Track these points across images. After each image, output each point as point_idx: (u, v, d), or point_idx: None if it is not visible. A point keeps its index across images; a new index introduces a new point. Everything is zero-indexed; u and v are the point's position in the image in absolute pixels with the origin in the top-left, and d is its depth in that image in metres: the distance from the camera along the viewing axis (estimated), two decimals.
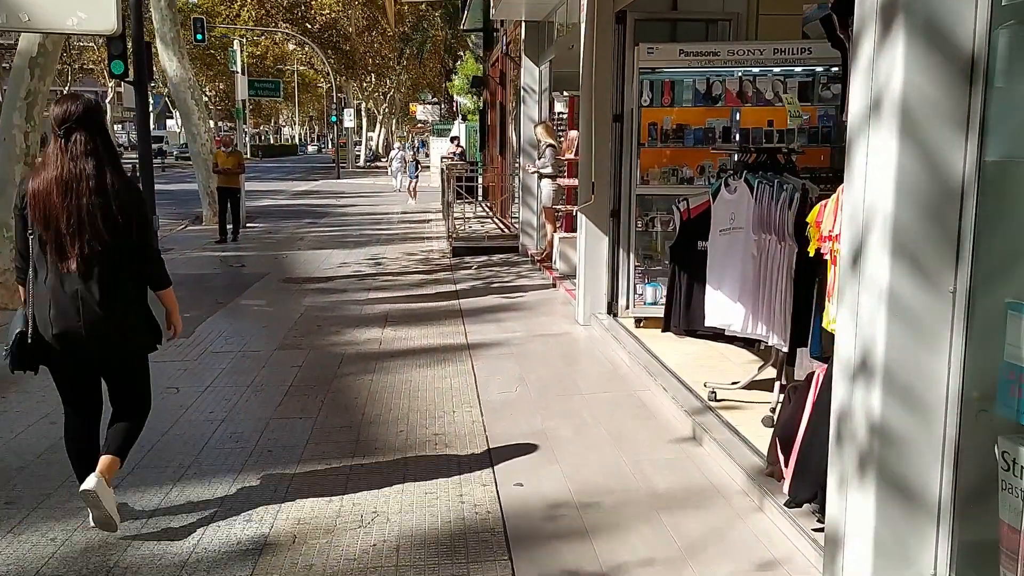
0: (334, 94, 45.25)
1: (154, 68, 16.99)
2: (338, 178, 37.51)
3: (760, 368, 5.37)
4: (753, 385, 5.58)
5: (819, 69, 7.26)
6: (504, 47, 15.44)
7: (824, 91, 7.25)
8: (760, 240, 4.63)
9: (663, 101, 7.44)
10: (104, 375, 3.93)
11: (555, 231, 11.72)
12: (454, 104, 49.69)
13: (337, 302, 9.74)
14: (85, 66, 46.70)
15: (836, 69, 7.08)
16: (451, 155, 23.84)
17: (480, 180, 20.96)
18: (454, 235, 14.27)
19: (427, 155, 25.54)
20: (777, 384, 5.10)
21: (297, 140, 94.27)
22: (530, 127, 13.26)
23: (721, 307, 4.97)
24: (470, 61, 52.31)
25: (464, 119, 40.36)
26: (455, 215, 14.83)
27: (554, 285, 10.54)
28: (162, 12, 17.84)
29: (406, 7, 44.76)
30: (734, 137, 7.46)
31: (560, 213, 11.88)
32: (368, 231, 17.43)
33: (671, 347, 6.97)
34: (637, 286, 7.67)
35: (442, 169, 18.77)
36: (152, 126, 52.58)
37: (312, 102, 76.46)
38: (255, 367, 6.88)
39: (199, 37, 33.46)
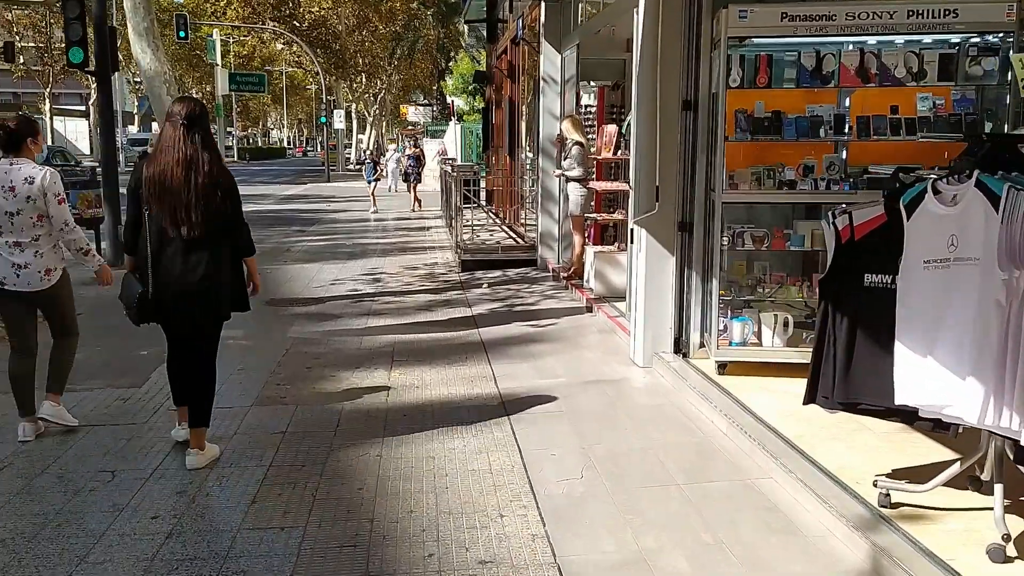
0: (324, 95, 43.42)
1: (123, 60, 15.17)
2: (328, 181, 35.67)
3: (961, 463, 3.63)
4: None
5: (966, 38, 5.55)
6: (519, 32, 13.72)
7: (973, 66, 5.53)
8: (1012, 281, 2.90)
9: (758, 81, 5.71)
10: (194, 330, 4.66)
11: (585, 244, 9.98)
12: (449, 105, 47.97)
13: (331, 332, 7.97)
14: (68, 67, 44.72)
15: (991, 37, 5.38)
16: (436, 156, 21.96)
17: (484, 184, 19.20)
18: (463, 247, 12.52)
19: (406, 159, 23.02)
20: (999, 491, 3.37)
21: (286, 143, 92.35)
22: (551, 122, 11.52)
23: (931, 379, 3.24)
24: (465, 60, 50.70)
25: (460, 120, 38.68)
26: (464, 223, 13.08)
27: (590, 309, 8.79)
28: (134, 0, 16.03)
29: (398, 3, 43.09)
30: (851, 128, 5.73)
31: (589, 222, 10.15)
32: (363, 240, 15.65)
33: (776, 405, 5.24)
34: (721, 320, 5.92)
35: (444, 172, 17.02)
36: (136, 128, 50.86)
37: (301, 104, 74.54)
38: (222, 435, 5.11)
39: (181, 34, 31.57)
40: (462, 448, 4.91)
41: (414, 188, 21.87)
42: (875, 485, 3.79)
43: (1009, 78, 5.46)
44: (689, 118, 6.24)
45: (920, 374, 3.26)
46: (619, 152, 9.19)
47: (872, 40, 5.64)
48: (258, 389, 6.09)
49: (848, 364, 3.72)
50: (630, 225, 6.63)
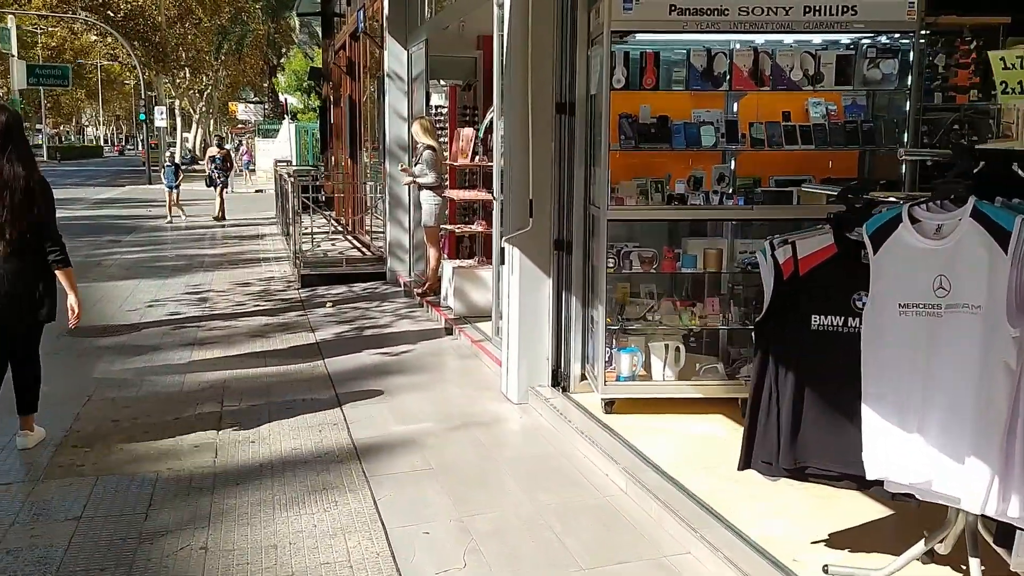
0: (142, 90, 40.33)
1: None
2: (150, 183, 33.01)
3: (925, 541, 3.04)
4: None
5: (861, 39, 5.10)
6: (359, 26, 12.68)
7: (871, 69, 5.08)
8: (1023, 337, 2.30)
9: (644, 82, 5.05)
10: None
11: (440, 257, 9.13)
12: (282, 103, 45.88)
13: (145, 370, 6.74)
14: None
15: (883, 39, 4.95)
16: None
17: (323, 189, 17.97)
18: (303, 258, 11.38)
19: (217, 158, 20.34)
20: (976, 567, 2.79)
21: (103, 141, 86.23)
22: (398, 123, 10.62)
23: (916, 451, 2.60)
24: (298, 56, 48.67)
25: (294, 119, 36.91)
26: (303, 232, 11.93)
27: (450, 331, 7.96)
28: None
29: None
30: (743, 136, 5.17)
31: (444, 234, 9.31)
32: (187, 251, 14.14)
33: (675, 450, 4.60)
34: (606, 351, 5.22)
35: (280, 176, 15.73)
36: None
37: (119, 100, 69.53)
38: None
39: None
40: (311, 529, 3.95)
41: (220, 193, 19.51)
42: (825, 572, 3.14)
43: (909, 82, 5.05)
44: (565, 122, 5.53)
45: (900, 444, 2.63)
46: (477, 158, 8.40)
47: (767, 39, 5.10)
48: (47, 455, 4.88)
49: (795, 422, 3.06)
50: (500, 243, 5.84)
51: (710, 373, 5.22)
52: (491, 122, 8.24)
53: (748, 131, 5.15)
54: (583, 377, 5.66)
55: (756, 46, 5.05)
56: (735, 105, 5.45)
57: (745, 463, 3.23)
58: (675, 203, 5.08)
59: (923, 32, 5.02)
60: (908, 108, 5.04)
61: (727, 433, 4.98)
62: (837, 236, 2.95)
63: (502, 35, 5.94)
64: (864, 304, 2.90)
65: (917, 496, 2.72)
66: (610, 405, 5.21)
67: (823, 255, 2.98)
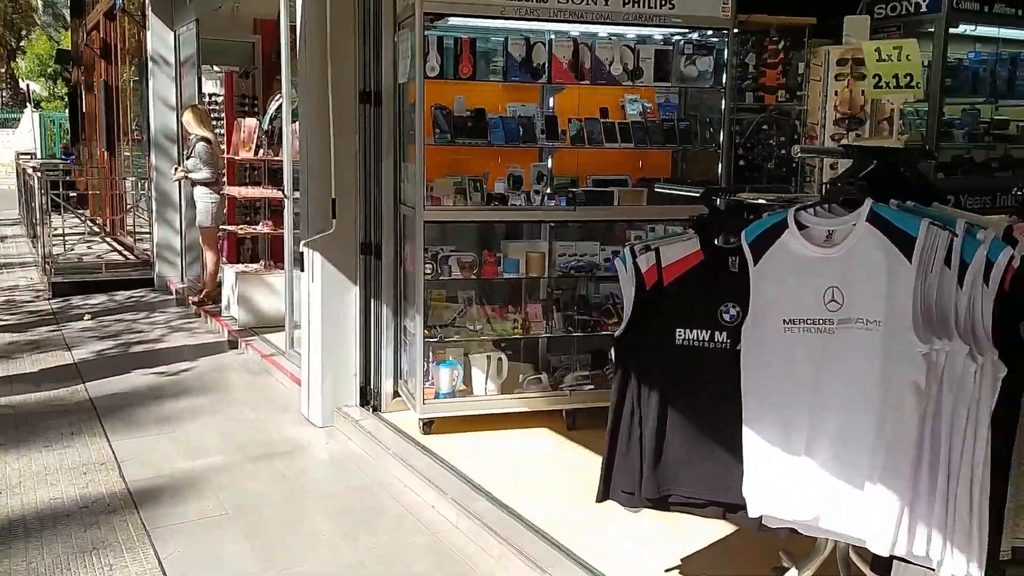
0: None
1: None
2: None
3: (800, 572, 2.83)
4: None
5: (679, 34, 4.96)
6: (117, 3, 11.33)
7: (688, 66, 4.95)
8: (933, 356, 2.08)
9: (461, 71, 4.62)
10: None
11: (219, 261, 8.26)
12: (23, 90, 41.36)
13: None
14: None
15: (705, 35, 4.85)
16: None
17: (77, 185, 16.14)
18: (53, 264, 9.98)
19: None
20: None
21: None
22: (164, 112, 9.55)
23: (807, 485, 2.34)
24: (42, 39, 44.05)
25: (38, 107, 33.36)
26: (52, 234, 10.48)
27: (235, 345, 7.15)
28: None
29: None
30: (562, 133, 4.88)
31: (223, 235, 8.44)
32: None
33: (505, 473, 4.23)
34: (421, 366, 4.75)
35: (24, 170, 13.89)
36: None
37: None
38: None
39: None
40: None
41: None
42: None
43: (724, 81, 4.97)
44: (370, 114, 4.99)
45: (785, 476, 2.37)
46: (261, 152, 7.63)
47: (584, 31, 4.83)
48: None
49: (659, 446, 2.75)
50: (300, 247, 5.21)
51: (533, 384, 4.89)
52: (276, 112, 7.54)
53: (567, 127, 4.86)
54: (396, 394, 5.16)
55: (576, 37, 4.76)
56: (551, 100, 5.16)
57: (604, 493, 2.89)
58: (495, 203, 4.70)
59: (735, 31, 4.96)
60: (724, 107, 4.96)
61: (555, 448, 4.68)
62: (703, 242, 2.66)
63: (292, 15, 5.31)
64: (732, 317, 2.64)
65: (803, 532, 2.48)
66: (429, 425, 4.75)
67: (688, 263, 2.68)
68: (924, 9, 5.31)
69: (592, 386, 4.96)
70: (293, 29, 5.60)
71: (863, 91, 5.06)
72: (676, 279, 2.69)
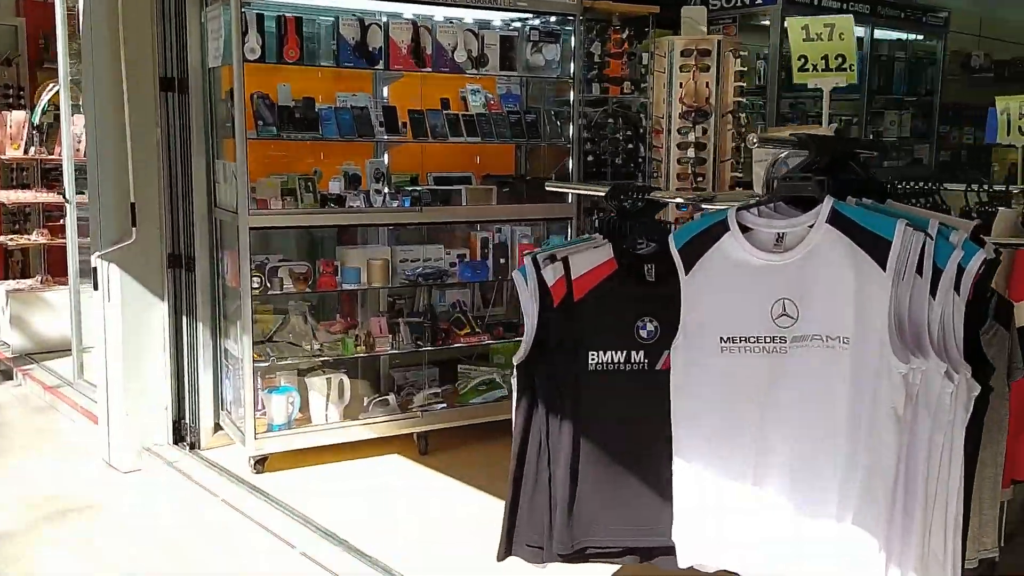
0: None
1: None
2: None
3: None
4: None
5: (527, 20, 4.61)
6: None
7: (535, 54, 4.61)
8: (911, 377, 1.80)
9: (286, 54, 4.02)
10: None
11: None
12: None
13: None
14: None
15: (548, 21, 4.54)
16: None
17: None
18: None
19: None
20: None
21: None
22: None
23: (754, 530, 2.01)
24: None
25: None
26: None
27: (9, 375, 6.10)
28: None
29: None
30: (403, 126, 4.39)
31: None
32: None
33: (364, 513, 3.72)
34: (251, 394, 4.11)
35: None
36: None
37: None
38: None
39: None
40: None
41: None
42: None
43: (572, 72, 4.67)
44: (175, 103, 4.28)
45: (726, 519, 2.04)
46: (33, 150, 6.58)
47: (425, 12, 4.36)
48: None
49: (572, 491, 2.35)
50: (92, 260, 4.39)
51: (380, 407, 4.38)
52: (50, 104, 6.55)
53: (408, 120, 4.38)
54: (218, 427, 4.49)
55: (414, 20, 4.29)
56: (385, 89, 4.66)
57: (507, 549, 2.45)
58: (330, 205, 4.14)
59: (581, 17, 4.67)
60: (572, 98, 4.66)
61: (409, 477, 4.22)
62: (615, 249, 2.29)
63: None
64: (649, 334, 2.29)
65: None
66: (262, 463, 4.13)
67: (600, 273, 2.30)
68: (760, 1, 5.27)
69: (444, 405, 4.52)
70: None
71: (706, 83, 4.94)
72: (587, 293, 2.30)
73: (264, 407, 4.15)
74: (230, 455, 4.31)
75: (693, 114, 4.92)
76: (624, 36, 4.92)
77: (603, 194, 2.45)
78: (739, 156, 5.10)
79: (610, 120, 5.02)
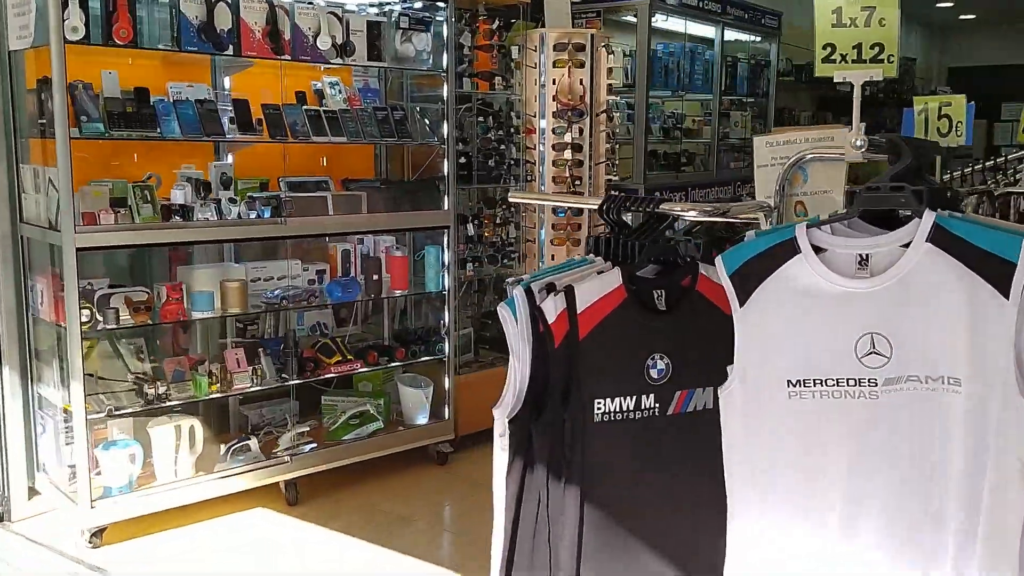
0: None
1: None
2: None
3: None
4: None
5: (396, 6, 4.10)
6: None
7: (404, 44, 4.10)
8: None
9: (116, 34, 3.27)
10: None
11: None
12: None
13: None
14: None
15: (414, 8, 4.09)
16: None
17: None
18: None
19: None
20: None
21: None
22: None
23: None
24: None
25: None
26: None
27: None
28: None
29: None
30: (259, 123, 3.75)
31: None
32: None
33: None
34: (86, 452, 3.33)
35: None
36: None
37: None
38: None
39: None
40: None
41: None
42: None
43: (445, 64, 4.20)
44: None
45: None
46: None
47: None
48: None
49: (578, 573, 1.92)
50: None
51: (240, 454, 3.72)
52: None
53: (263, 116, 3.74)
54: (35, 492, 3.65)
55: (272, 1, 3.66)
56: (226, 80, 3.99)
57: None
58: (175, 218, 3.44)
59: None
60: (446, 93, 4.20)
61: (280, 533, 3.61)
62: (625, 274, 1.88)
63: None
64: (660, 372, 1.90)
65: None
66: (99, 534, 3.36)
67: (608, 305, 1.87)
68: None
69: (315, 444, 3.92)
70: None
71: (581, 80, 4.64)
72: (593, 329, 1.86)
73: (100, 466, 3.38)
74: (54, 527, 3.50)
75: (568, 113, 4.61)
76: (494, 27, 4.51)
77: (594, 207, 2.03)
78: (614, 158, 4.86)
79: (480, 119, 4.60)
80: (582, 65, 4.60)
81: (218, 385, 3.61)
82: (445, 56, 4.17)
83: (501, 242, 4.68)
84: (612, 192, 1.98)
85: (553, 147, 4.64)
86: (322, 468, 3.90)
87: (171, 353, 3.76)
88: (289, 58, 3.72)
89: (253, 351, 3.80)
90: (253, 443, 3.75)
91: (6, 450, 3.59)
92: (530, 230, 4.76)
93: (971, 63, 13.20)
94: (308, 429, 3.94)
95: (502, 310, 1.88)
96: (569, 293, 1.85)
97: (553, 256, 4.72)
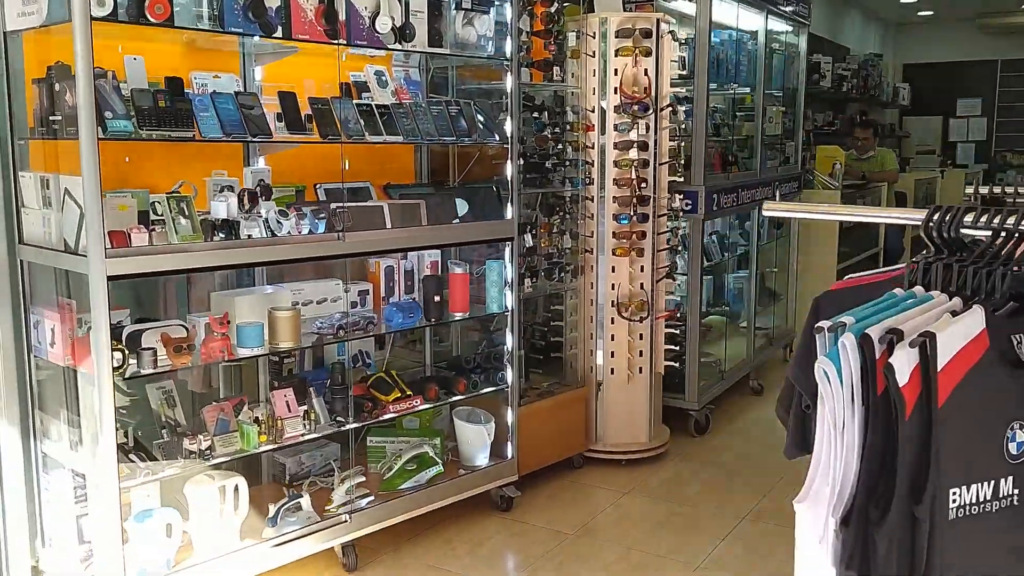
0: None
1: None
2: None
3: None
4: None
5: None
6: None
7: (465, 26, 3.53)
8: None
9: (150, 10, 2.63)
10: None
11: None
12: None
13: None
14: None
15: None
16: None
17: None
18: None
19: None
20: None
21: None
22: None
23: None
24: None
25: None
26: None
27: None
28: None
29: None
30: (308, 119, 3.14)
31: None
32: None
33: None
34: (116, 528, 2.69)
35: None
36: None
37: None
38: None
39: None
40: None
41: None
42: None
43: (508, 51, 3.65)
44: None
45: None
46: None
47: None
48: None
49: None
50: None
51: (291, 514, 3.12)
52: None
53: (312, 110, 3.14)
54: (37, 573, 2.98)
55: None
56: (257, 69, 3.37)
57: None
58: (220, 235, 2.81)
59: None
60: (511, 86, 3.64)
61: None
62: (987, 316, 1.38)
63: None
64: (1019, 447, 1.41)
65: None
66: None
67: (968, 359, 1.37)
68: None
69: (371, 497, 3.34)
70: None
71: (646, 70, 4.14)
72: (953, 392, 1.36)
73: (131, 541, 2.74)
74: None
75: (633, 107, 4.11)
76: (553, 10, 3.97)
77: (916, 221, 1.51)
78: (679, 157, 4.37)
79: (535, 115, 4.05)
80: (649, 53, 4.11)
81: (268, 435, 3.00)
82: (509, 42, 3.62)
83: (558, 253, 4.15)
84: (940, 204, 1.46)
85: (615, 145, 4.14)
86: (382, 525, 3.32)
87: (200, 396, 3.12)
88: (344, 42, 3.12)
89: (304, 390, 3.19)
90: (306, 501, 3.15)
91: (4, 522, 2.92)
92: (587, 239, 4.25)
93: (927, 59, 13.14)
94: (364, 479, 3.35)
95: (821, 367, 1.36)
96: (928, 345, 1.34)
97: (614, 268, 4.22)
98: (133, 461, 2.70)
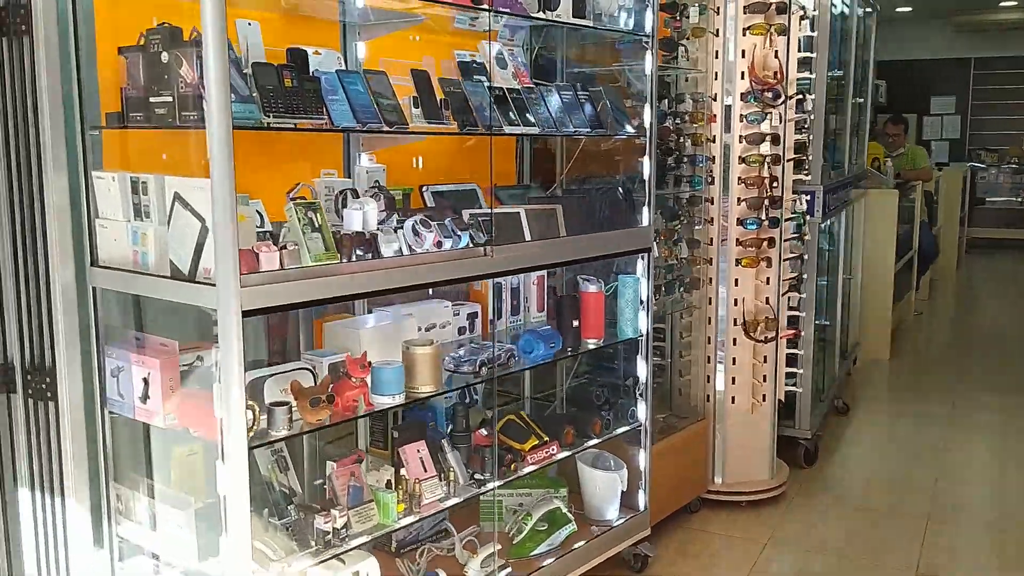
0: None
1: None
2: None
3: None
4: None
5: None
6: None
7: None
8: None
9: None
10: None
11: None
12: None
13: None
14: None
15: None
16: None
17: None
18: None
19: None
20: None
21: None
22: None
23: None
24: None
25: None
26: None
27: None
28: None
29: None
30: (442, 104, 2.52)
31: None
32: None
33: None
34: None
35: None
36: None
37: None
38: None
39: None
40: None
41: None
42: None
43: (648, 27, 3.06)
44: (13, 59, 2.06)
45: None
46: None
47: None
48: None
49: None
50: None
51: None
52: None
53: (444, 94, 2.52)
54: None
55: None
56: (360, 46, 2.74)
57: None
58: (358, 251, 2.18)
59: None
60: (649, 68, 3.06)
61: None
62: None
63: None
64: None
65: None
66: None
67: None
68: None
69: (508, 569, 2.73)
70: None
71: (777, 52, 3.60)
72: None
73: None
74: None
75: (765, 94, 3.57)
76: None
77: None
78: (807, 152, 3.85)
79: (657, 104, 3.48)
80: (783, 32, 3.57)
81: (406, 503, 2.38)
82: (649, 15, 3.04)
83: (678, 263, 3.59)
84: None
85: (744, 138, 3.59)
86: None
87: (347, 453, 2.46)
88: (488, 8, 2.50)
89: (438, 446, 2.57)
90: None
91: None
92: (707, 248, 3.69)
93: (901, 57, 12.97)
94: (499, 547, 2.74)
95: None
96: None
97: (737, 280, 3.68)
98: (263, 552, 2.05)
